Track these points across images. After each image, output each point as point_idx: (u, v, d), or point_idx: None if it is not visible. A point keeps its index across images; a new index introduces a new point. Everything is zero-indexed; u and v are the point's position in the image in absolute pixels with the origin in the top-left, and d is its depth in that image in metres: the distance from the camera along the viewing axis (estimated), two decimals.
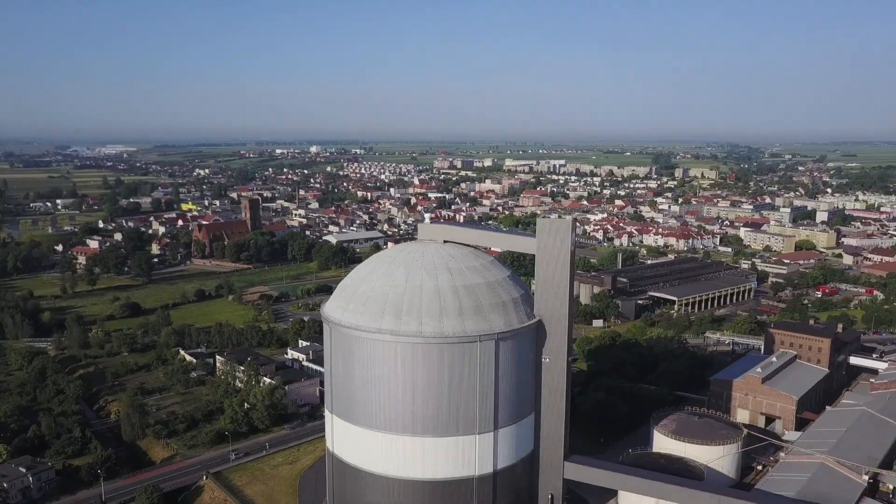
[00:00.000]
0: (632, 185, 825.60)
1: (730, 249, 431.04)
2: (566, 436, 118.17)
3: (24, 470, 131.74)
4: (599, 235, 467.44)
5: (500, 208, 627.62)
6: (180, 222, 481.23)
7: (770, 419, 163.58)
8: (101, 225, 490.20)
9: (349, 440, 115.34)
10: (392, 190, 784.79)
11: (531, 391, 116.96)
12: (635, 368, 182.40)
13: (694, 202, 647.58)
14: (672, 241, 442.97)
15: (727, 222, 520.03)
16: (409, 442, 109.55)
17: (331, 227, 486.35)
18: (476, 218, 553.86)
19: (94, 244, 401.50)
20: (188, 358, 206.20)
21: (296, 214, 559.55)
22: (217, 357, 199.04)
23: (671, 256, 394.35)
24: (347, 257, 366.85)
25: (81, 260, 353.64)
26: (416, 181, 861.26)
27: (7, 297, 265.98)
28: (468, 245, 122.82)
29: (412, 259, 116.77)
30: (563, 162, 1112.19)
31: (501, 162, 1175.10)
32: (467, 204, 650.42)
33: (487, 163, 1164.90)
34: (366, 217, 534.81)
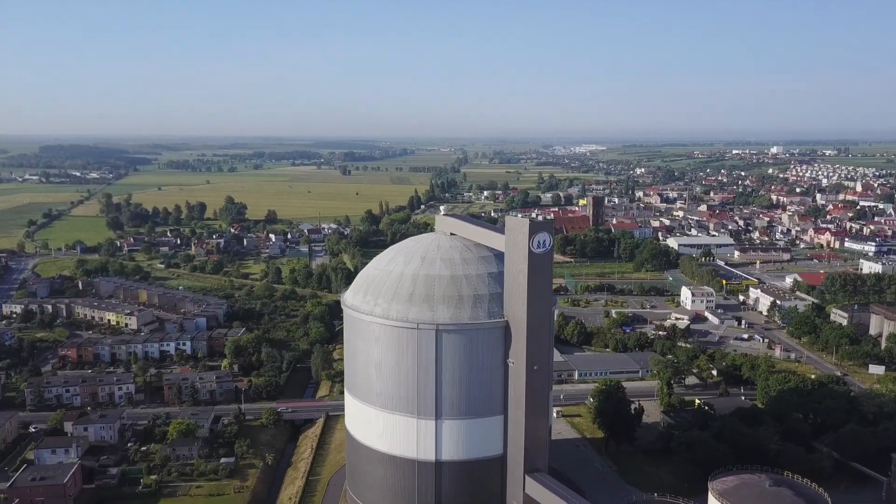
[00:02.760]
0: None
1: None
2: (531, 447, 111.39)
3: (214, 378, 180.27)
4: None
5: None
6: (550, 216, 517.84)
7: None
8: (491, 213, 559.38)
9: (347, 405, 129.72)
10: (819, 195, 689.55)
11: (497, 392, 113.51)
12: (811, 423, 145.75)
13: None
14: None
15: None
16: (367, 411, 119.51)
17: (693, 231, 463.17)
18: (878, 233, 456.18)
19: None
20: None
21: (673, 214, 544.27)
22: None
23: None
24: (667, 261, 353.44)
25: None
26: (857, 187, 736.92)
27: (344, 260, 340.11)
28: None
29: (405, 247, 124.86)
30: None
31: None
32: None
33: None
34: (741, 223, 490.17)
